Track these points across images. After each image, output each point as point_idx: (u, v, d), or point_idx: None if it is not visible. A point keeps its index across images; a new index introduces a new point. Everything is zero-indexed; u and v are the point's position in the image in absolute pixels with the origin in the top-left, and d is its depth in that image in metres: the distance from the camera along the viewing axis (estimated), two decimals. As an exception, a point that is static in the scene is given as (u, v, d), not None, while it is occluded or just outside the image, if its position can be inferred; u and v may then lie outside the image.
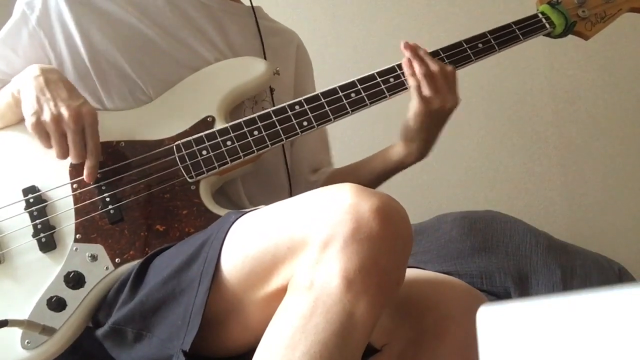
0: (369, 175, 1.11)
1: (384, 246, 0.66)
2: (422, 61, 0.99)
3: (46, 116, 0.87)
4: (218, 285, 0.76)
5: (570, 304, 0.39)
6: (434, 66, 0.98)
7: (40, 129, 0.87)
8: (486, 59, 1.08)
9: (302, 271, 0.68)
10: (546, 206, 1.93)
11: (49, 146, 0.89)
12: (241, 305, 0.76)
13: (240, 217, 0.79)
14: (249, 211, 0.81)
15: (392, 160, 1.08)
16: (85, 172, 0.89)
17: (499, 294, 1.50)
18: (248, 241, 0.76)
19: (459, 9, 2.01)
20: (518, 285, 1.50)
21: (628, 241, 1.88)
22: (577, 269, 1.52)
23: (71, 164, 0.92)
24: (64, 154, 0.88)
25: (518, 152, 1.96)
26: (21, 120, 0.94)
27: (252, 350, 0.70)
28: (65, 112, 0.87)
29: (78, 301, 0.86)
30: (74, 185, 0.92)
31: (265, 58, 1.09)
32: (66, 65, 0.99)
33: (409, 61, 0.99)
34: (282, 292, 0.71)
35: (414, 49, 1.00)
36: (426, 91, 0.97)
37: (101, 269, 0.87)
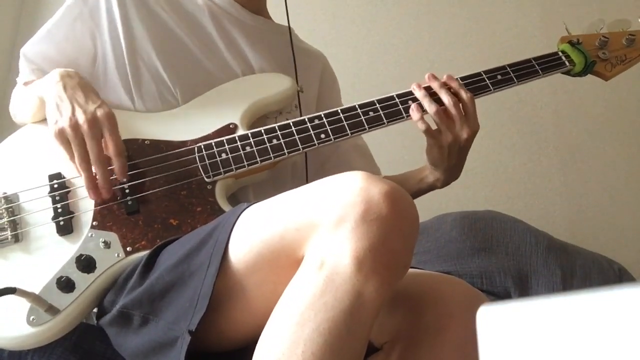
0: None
1: (393, 228, 0.67)
2: (431, 99, 1.00)
3: (64, 123, 0.90)
4: (226, 268, 0.76)
5: (570, 304, 0.39)
6: (446, 98, 1.00)
7: (63, 138, 0.90)
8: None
9: (312, 251, 0.69)
10: (546, 206, 1.93)
11: (73, 157, 0.90)
12: (248, 290, 0.77)
13: (251, 205, 0.81)
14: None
15: (425, 183, 1.12)
16: (116, 171, 0.92)
17: (499, 294, 1.50)
18: (257, 225, 0.77)
19: (459, 9, 2.01)
20: (518, 285, 1.50)
21: (628, 241, 1.88)
22: (577, 269, 1.52)
23: None
24: (85, 162, 0.90)
25: (518, 152, 1.96)
26: None
27: (256, 342, 0.70)
28: (81, 117, 0.90)
29: (86, 284, 0.88)
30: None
31: (296, 75, 1.13)
32: (108, 57, 1.04)
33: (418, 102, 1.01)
34: (288, 275, 0.71)
35: (434, 80, 1.02)
36: (435, 126, 0.99)
37: (112, 256, 0.90)
